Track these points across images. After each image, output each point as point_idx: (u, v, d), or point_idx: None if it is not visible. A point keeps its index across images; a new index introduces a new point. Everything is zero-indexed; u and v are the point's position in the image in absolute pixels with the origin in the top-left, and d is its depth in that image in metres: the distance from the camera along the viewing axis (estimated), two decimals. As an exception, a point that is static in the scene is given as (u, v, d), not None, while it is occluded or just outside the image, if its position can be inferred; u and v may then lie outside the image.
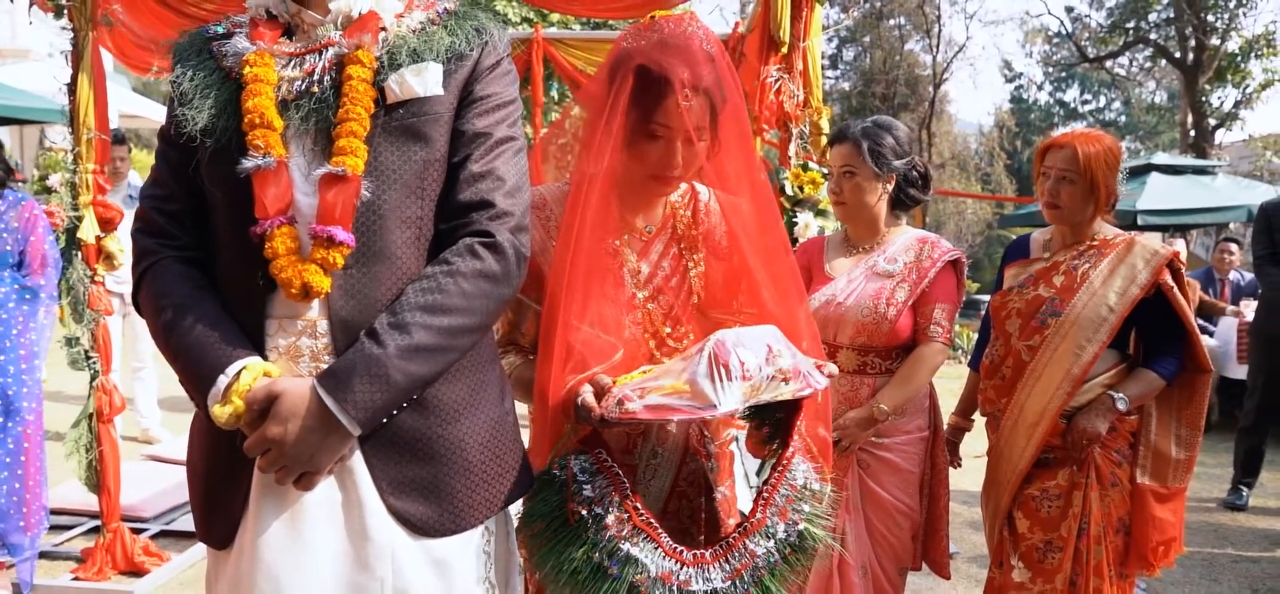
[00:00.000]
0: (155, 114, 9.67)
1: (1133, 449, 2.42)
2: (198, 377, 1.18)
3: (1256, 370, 4.57)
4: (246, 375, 1.16)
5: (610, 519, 1.29)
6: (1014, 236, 2.69)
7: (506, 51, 1.37)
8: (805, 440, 1.51)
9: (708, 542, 1.52)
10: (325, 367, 1.20)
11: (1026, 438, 2.39)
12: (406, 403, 1.22)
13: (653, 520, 1.32)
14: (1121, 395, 2.33)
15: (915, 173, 2.40)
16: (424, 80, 1.25)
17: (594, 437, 1.38)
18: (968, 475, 2.74)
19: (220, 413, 1.15)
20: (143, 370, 5.43)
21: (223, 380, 1.16)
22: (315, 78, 1.24)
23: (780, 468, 1.41)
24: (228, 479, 1.25)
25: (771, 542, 1.34)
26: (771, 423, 1.54)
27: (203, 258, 1.30)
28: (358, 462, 1.23)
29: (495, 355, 1.40)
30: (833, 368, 1.48)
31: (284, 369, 1.22)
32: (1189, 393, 2.44)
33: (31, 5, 3.30)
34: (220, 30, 1.31)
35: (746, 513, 1.42)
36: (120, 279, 4.46)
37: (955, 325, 2.46)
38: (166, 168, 1.30)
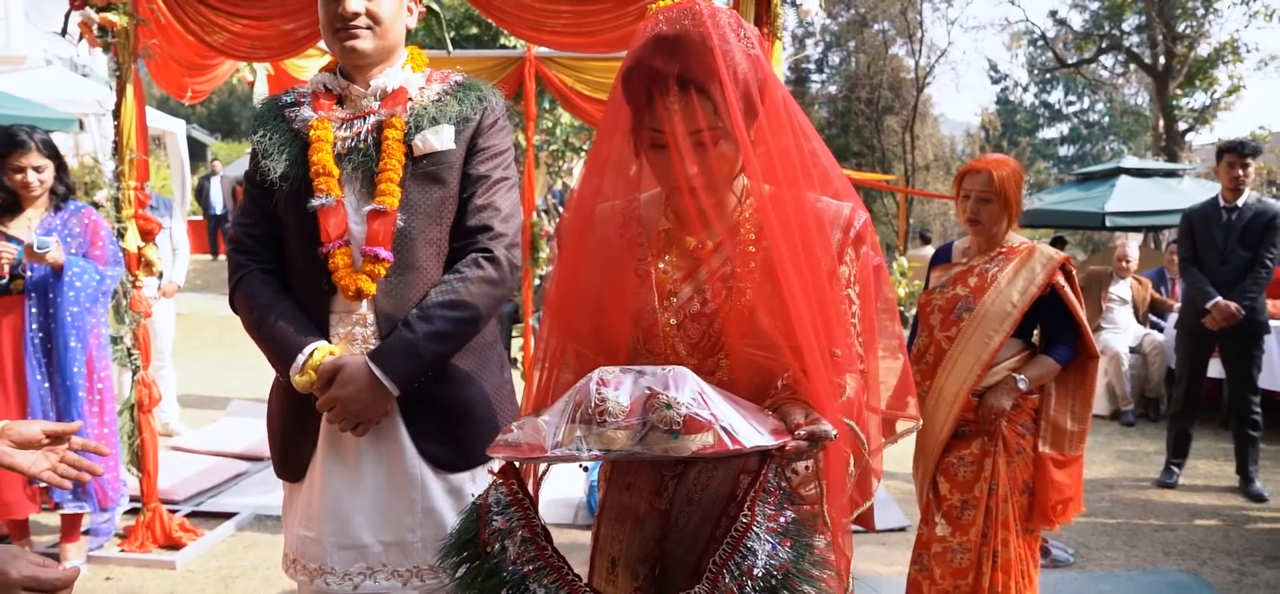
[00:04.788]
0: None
1: (1035, 423, 2.82)
2: (282, 355, 1.63)
3: (1183, 363, 5.00)
4: (317, 354, 1.61)
5: (512, 552, 1.23)
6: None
7: (502, 112, 1.80)
8: (774, 516, 1.22)
9: None
10: (373, 347, 1.65)
11: (945, 414, 2.80)
12: (432, 373, 1.65)
13: (563, 562, 1.23)
14: (1022, 377, 2.74)
15: None
16: (441, 138, 1.69)
17: (509, 466, 1.30)
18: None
19: (299, 380, 1.60)
20: (163, 369, 5.80)
21: (301, 358, 1.60)
22: (361, 137, 1.69)
23: (732, 542, 1.19)
24: (300, 430, 1.70)
25: None
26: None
27: (279, 269, 1.74)
28: (396, 416, 1.67)
29: (496, 338, 1.83)
30: (827, 429, 1.19)
31: (344, 349, 1.66)
32: (1081, 376, 2.85)
33: (81, 39, 3.68)
34: (289, 100, 1.75)
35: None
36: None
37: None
38: (251, 203, 1.74)
